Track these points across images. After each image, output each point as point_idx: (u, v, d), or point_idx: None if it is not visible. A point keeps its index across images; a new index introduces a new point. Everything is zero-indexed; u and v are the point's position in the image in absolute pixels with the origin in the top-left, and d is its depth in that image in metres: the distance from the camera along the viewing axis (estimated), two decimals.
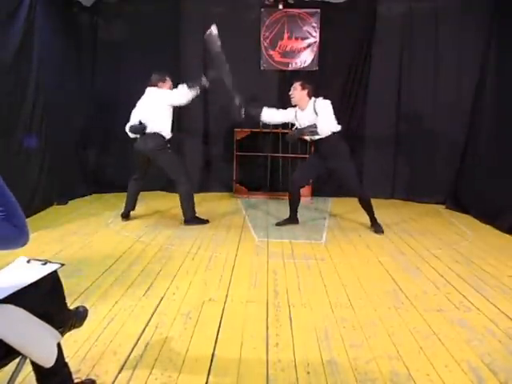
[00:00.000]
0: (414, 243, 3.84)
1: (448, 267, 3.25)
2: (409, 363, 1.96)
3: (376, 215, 4.16)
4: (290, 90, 4.02)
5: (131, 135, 4.14)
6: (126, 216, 4.37)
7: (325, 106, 3.85)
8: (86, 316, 1.75)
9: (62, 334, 1.59)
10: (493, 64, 4.67)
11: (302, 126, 3.95)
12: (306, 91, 3.93)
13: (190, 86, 3.93)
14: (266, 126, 5.46)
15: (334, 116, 3.87)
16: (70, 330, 1.65)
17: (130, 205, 4.39)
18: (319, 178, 5.01)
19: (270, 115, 4.19)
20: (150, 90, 4.11)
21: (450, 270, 3.20)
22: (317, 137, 3.92)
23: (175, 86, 4.08)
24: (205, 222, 4.33)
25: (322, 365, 1.94)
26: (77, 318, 1.69)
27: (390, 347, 2.10)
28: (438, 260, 3.42)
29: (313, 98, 3.94)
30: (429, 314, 2.46)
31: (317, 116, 3.84)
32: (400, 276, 3.05)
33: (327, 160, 4.03)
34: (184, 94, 3.96)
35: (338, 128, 3.90)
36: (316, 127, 3.80)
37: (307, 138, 4.15)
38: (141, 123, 4.03)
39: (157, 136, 4.03)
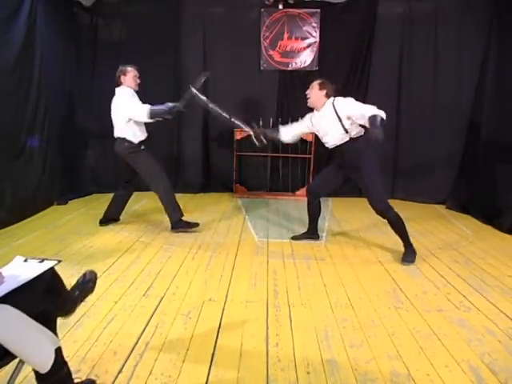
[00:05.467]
0: (414, 243, 3.82)
1: (448, 267, 3.25)
2: (409, 363, 1.96)
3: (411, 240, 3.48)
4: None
5: None
6: (104, 222, 4.10)
7: (351, 101, 3.39)
8: (94, 279, 1.79)
9: (74, 308, 1.67)
10: (493, 64, 4.67)
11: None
12: (324, 92, 3.48)
13: (152, 113, 3.62)
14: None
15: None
16: (81, 301, 1.73)
17: (110, 211, 4.12)
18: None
19: (288, 132, 3.78)
20: (116, 92, 3.85)
21: (450, 270, 3.21)
22: (333, 143, 3.49)
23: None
24: (194, 225, 4.00)
25: (322, 365, 1.94)
26: (82, 291, 1.73)
27: (390, 347, 2.10)
28: (438, 260, 3.42)
29: (331, 98, 3.48)
30: (429, 314, 2.46)
31: (338, 117, 3.40)
32: (400, 276, 3.05)
33: (347, 169, 3.51)
34: (142, 115, 3.64)
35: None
36: (376, 116, 3.12)
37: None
38: None
39: (123, 140, 3.80)
